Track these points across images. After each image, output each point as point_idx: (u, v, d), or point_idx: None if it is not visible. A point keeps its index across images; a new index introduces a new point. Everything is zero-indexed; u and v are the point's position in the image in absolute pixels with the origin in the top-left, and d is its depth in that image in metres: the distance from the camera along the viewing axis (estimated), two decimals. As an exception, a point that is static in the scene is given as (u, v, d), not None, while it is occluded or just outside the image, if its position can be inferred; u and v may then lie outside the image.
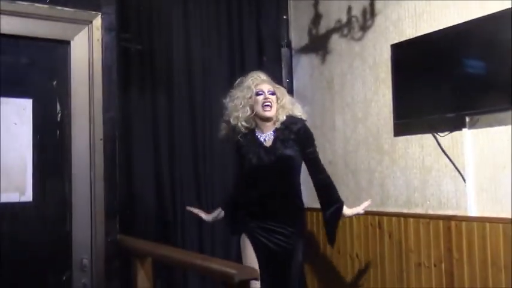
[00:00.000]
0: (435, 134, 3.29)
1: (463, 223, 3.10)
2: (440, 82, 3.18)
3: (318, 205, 4.13)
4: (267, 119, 2.87)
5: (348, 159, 3.95)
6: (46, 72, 2.98)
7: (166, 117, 3.78)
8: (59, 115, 2.99)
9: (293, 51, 4.46)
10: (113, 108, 2.97)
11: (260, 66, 4.18)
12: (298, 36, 4.43)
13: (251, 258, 2.83)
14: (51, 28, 2.93)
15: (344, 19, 3.95)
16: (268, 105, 2.82)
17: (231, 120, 2.87)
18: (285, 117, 2.87)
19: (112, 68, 2.97)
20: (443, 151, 3.25)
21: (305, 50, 4.34)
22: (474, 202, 3.08)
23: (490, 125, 3.01)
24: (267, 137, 2.88)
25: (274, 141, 2.86)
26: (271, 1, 4.33)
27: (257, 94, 2.84)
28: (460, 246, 3.11)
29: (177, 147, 3.79)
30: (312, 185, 4.22)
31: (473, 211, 3.08)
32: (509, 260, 2.86)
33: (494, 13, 2.92)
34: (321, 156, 4.11)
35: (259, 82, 2.88)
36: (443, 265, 3.21)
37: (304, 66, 4.36)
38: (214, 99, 3.95)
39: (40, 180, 2.88)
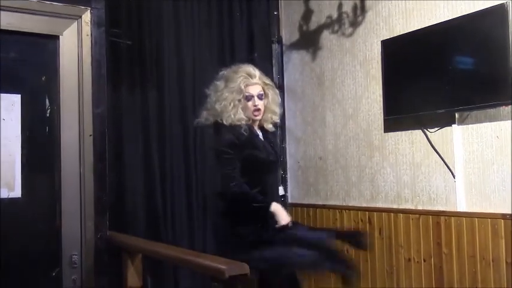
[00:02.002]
0: (425, 130, 3.31)
1: (452, 218, 3.13)
2: (430, 78, 3.19)
3: (306, 201, 4.18)
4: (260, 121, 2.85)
5: (338, 155, 3.96)
6: (35, 67, 2.97)
7: (157, 112, 3.75)
8: (48, 111, 2.97)
9: (284, 47, 4.45)
10: (102, 104, 2.96)
11: (251, 62, 4.17)
12: (289, 32, 4.42)
13: None
14: (40, 23, 2.91)
15: (335, 15, 3.95)
16: (257, 110, 2.77)
17: (224, 121, 2.72)
18: (270, 127, 2.87)
19: (101, 63, 2.96)
20: (433, 147, 3.27)
21: (296, 46, 4.34)
22: (463, 198, 3.10)
23: (480, 121, 3.03)
24: (259, 134, 2.83)
25: (267, 139, 2.84)
26: (261, -3, 4.32)
27: (247, 99, 2.74)
28: (449, 241, 3.14)
29: (167, 143, 3.77)
30: (301, 179, 4.26)
31: (462, 206, 3.10)
32: (498, 255, 2.89)
33: (484, 9, 2.94)
34: (311, 152, 4.19)
35: (249, 83, 2.76)
36: (432, 260, 3.23)
37: (294, 63, 4.36)
38: (204, 94, 3.94)
39: (29, 176, 2.87)
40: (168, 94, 3.82)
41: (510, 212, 2.85)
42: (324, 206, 4.01)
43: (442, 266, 3.17)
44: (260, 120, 2.83)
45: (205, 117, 2.82)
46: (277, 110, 2.89)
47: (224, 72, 2.83)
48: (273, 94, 2.86)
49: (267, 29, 4.37)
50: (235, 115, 2.71)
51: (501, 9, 2.85)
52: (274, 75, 4.39)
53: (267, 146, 2.79)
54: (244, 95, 2.73)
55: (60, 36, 2.96)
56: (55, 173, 2.94)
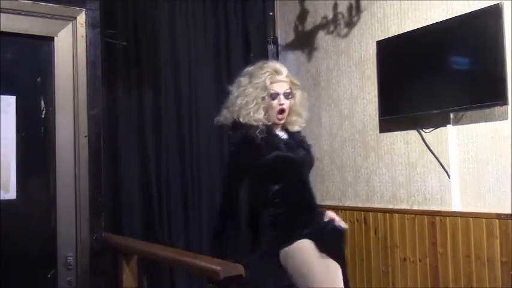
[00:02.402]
0: (420, 131, 3.32)
1: (448, 218, 3.13)
2: (425, 79, 3.20)
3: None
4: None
5: (334, 155, 3.96)
6: (30, 68, 2.97)
7: (153, 114, 3.74)
8: (43, 112, 2.97)
9: (279, 48, 4.45)
10: (97, 105, 2.96)
11: (246, 63, 4.17)
12: (284, 32, 4.43)
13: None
14: (35, 24, 2.91)
15: (330, 16, 3.96)
16: (282, 112, 2.53)
17: (241, 119, 2.50)
18: (296, 128, 2.62)
19: (96, 64, 2.96)
20: (428, 147, 3.28)
21: (291, 46, 4.34)
22: (458, 198, 3.11)
23: (474, 121, 3.04)
24: (283, 134, 2.60)
25: (294, 139, 2.60)
26: (257, -3, 4.32)
27: (272, 97, 2.50)
28: (444, 241, 3.14)
29: (163, 144, 3.76)
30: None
31: (457, 206, 3.11)
32: (492, 255, 2.89)
33: (478, 10, 2.95)
34: (307, 152, 4.18)
35: (275, 80, 2.51)
36: (428, 260, 3.24)
37: (290, 63, 4.35)
38: (200, 95, 3.95)
39: (24, 177, 2.87)
40: (164, 95, 3.80)
41: (505, 212, 2.86)
42: (320, 207, 4.00)
43: (437, 265, 3.18)
44: (284, 123, 2.60)
45: (224, 115, 2.62)
46: (304, 112, 2.66)
47: (249, 68, 2.63)
48: (301, 95, 2.63)
49: (262, 29, 4.36)
50: (255, 113, 2.48)
51: (496, 9, 2.86)
52: (270, 75, 4.39)
53: (292, 145, 2.53)
54: (269, 92, 2.50)
55: (55, 38, 2.95)
56: (50, 174, 2.94)
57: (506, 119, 2.88)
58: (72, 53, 2.97)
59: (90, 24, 2.97)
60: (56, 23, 2.95)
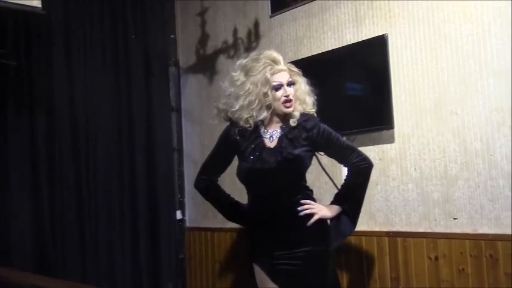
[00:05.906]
0: (316, 153, 3.43)
1: (342, 238, 3.25)
2: (320, 103, 3.32)
3: (204, 224, 4.13)
4: (285, 115, 2.44)
5: (234, 177, 3.97)
6: None
7: (46, 138, 3.56)
8: None
9: (181, 71, 4.45)
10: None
11: (147, 85, 4.13)
12: (185, 55, 4.43)
13: None
14: None
15: (230, 40, 4.03)
16: (289, 102, 2.39)
17: (241, 123, 2.39)
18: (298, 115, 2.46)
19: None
20: (323, 169, 3.38)
21: (193, 69, 4.36)
22: (351, 217, 3.24)
23: (365, 144, 3.21)
24: (273, 134, 2.46)
25: (281, 139, 2.44)
26: (158, 20, 4.29)
27: (275, 89, 2.36)
28: (338, 261, 3.26)
29: (57, 170, 3.57)
30: (199, 202, 4.24)
31: (351, 226, 3.24)
32: (383, 271, 3.05)
33: (365, 40, 3.15)
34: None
35: (276, 71, 2.37)
36: (325, 279, 3.33)
37: (192, 86, 4.37)
38: (98, 119, 3.83)
39: None
40: (59, 118, 3.64)
41: (393, 230, 3.03)
42: (220, 230, 4.01)
43: (333, 284, 3.28)
44: (287, 115, 2.44)
45: (218, 113, 2.54)
46: (308, 99, 2.49)
47: (242, 61, 2.45)
48: (301, 82, 2.48)
49: (163, 52, 4.34)
50: (258, 114, 2.38)
51: (381, 39, 3.07)
52: (172, 98, 4.37)
53: (265, 152, 2.41)
54: (272, 85, 2.36)
55: None
56: None
57: (393, 142, 3.07)
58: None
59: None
60: None
